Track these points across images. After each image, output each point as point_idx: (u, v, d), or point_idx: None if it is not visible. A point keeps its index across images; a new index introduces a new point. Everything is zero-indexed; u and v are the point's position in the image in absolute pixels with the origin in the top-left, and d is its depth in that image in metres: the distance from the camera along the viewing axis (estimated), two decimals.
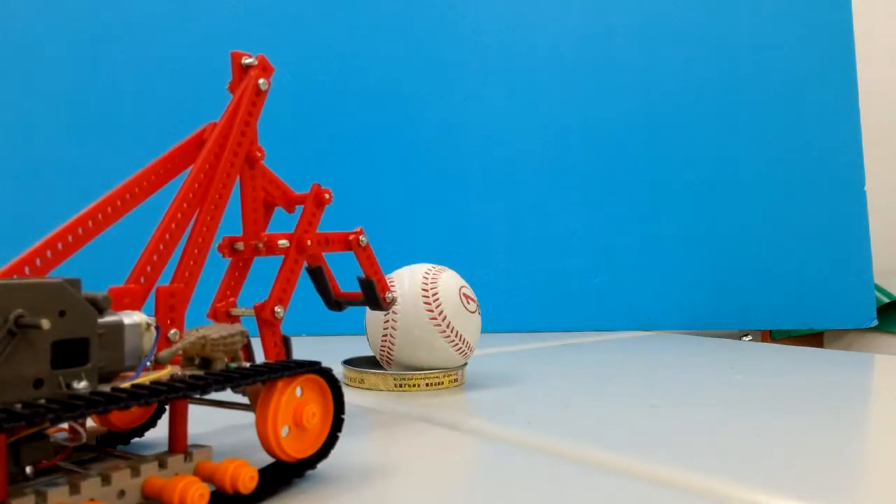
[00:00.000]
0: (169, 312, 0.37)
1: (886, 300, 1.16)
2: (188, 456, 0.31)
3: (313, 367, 0.34)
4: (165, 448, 0.32)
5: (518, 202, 1.00)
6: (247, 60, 0.43)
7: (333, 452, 0.36)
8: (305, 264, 0.47)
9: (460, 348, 0.58)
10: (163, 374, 0.31)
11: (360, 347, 0.63)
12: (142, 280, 0.36)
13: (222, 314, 0.44)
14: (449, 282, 0.59)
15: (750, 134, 1.06)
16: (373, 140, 0.98)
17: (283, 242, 0.43)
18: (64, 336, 0.27)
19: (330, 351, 0.65)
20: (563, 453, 0.41)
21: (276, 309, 0.41)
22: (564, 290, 1.01)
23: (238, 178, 0.43)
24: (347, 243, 0.46)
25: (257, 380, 0.32)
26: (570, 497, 0.35)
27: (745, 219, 1.06)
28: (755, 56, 1.07)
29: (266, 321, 0.42)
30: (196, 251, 0.38)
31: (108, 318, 0.30)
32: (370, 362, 0.62)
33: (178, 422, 0.32)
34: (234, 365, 0.34)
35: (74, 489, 0.27)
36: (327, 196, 0.45)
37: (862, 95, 1.07)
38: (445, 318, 0.57)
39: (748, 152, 1.06)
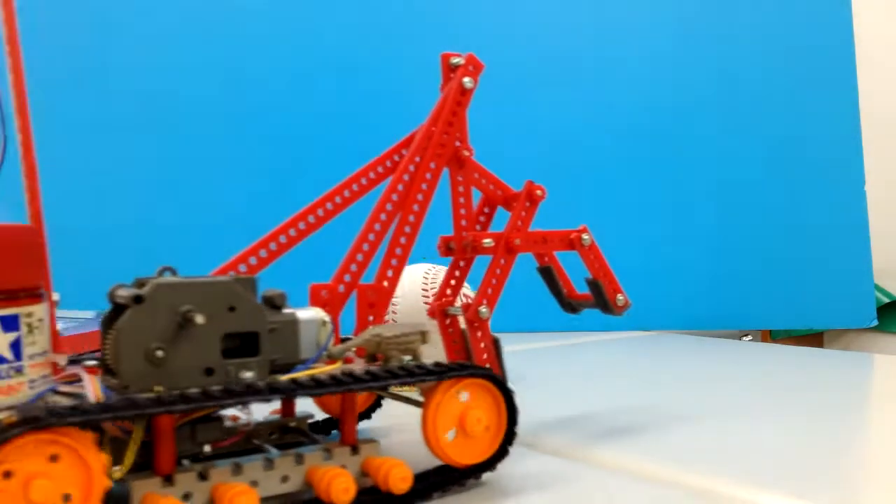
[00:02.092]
0: (369, 309, 0.38)
1: (886, 300, 1.16)
2: (356, 449, 0.32)
3: (478, 372, 0.34)
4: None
5: None
6: (455, 60, 0.42)
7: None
8: (537, 264, 0.45)
9: None
10: (331, 368, 0.32)
11: None
12: (347, 278, 0.38)
13: (440, 313, 0.44)
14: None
15: (750, 134, 1.06)
16: (372, 140, 0.98)
17: (487, 241, 0.41)
18: (233, 329, 0.30)
19: None
20: (563, 453, 0.41)
21: (481, 309, 0.40)
22: None
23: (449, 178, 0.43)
24: (569, 242, 0.44)
25: (406, 381, 0.32)
26: (569, 496, 0.35)
27: (746, 219, 1.06)
28: (755, 56, 1.06)
29: (470, 322, 0.41)
30: (398, 251, 0.39)
31: (283, 314, 0.32)
32: None
33: (347, 414, 0.33)
34: (409, 361, 0.34)
35: (237, 470, 0.29)
36: (539, 193, 0.43)
37: (862, 95, 1.07)
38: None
39: (748, 152, 1.06)
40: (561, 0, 1.03)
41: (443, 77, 0.43)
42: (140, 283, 0.30)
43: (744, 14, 1.06)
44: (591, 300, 0.44)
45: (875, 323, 1.07)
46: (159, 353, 0.28)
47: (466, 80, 0.42)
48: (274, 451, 0.32)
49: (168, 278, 0.30)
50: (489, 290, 0.41)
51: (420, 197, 0.40)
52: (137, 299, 0.28)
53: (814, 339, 1.23)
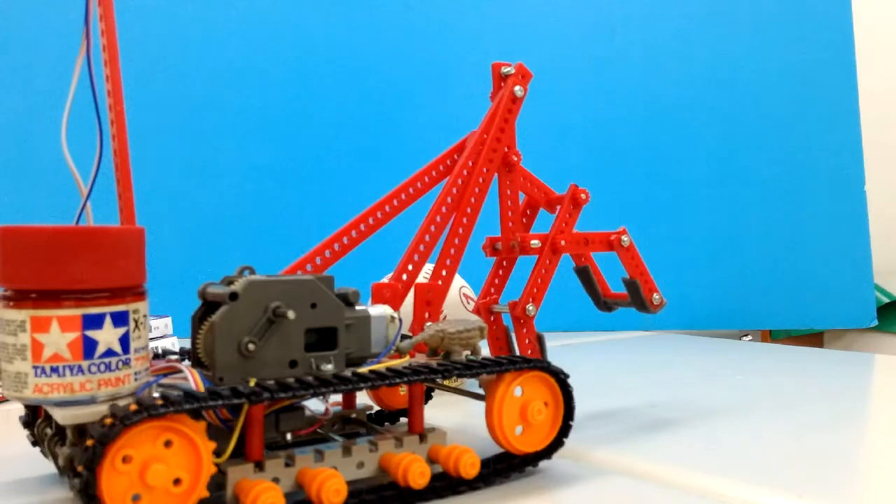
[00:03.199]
0: (425, 307, 0.41)
1: (886, 300, 1.16)
2: (423, 437, 0.34)
3: (539, 365, 0.36)
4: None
5: None
6: (505, 70, 0.44)
7: None
8: (574, 264, 0.47)
9: None
10: (399, 362, 0.35)
11: None
12: (404, 277, 0.40)
13: (485, 311, 0.45)
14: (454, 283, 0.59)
15: (750, 134, 1.06)
16: (372, 140, 0.98)
17: (534, 242, 0.44)
18: (315, 325, 0.32)
19: None
20: (563, 453, 0.41)
21: (528, 307, 0.43)
22: (565, 290, 1.00)
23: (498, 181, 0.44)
24: (609, 244, 0.46)
25: (475, 372, 0.34)
26: (569, 496, 0.35)
27: (746, 219, 1.06)
28: (755, 56, 1.06)
29: (518, 318, 0.43)
30: (452, 251, 0.41)
31: (357, 311, 0.34)
32: None
33: (415, 405, 0.35)
34: (467, 355, 0.36)
35: (319, 457, 0.31)
36: (584, 196, 0.45)
37: (862, 95, 1.07)
38: (446, 317, 0.57)
39: (748, 152, 1.06)
40: (560, 1, 1.03)
41: (493, 85, 0.45)
42: (228, 282, 0.32)
43: (744, 14, 1.06)
44: (627, 299, 0.46)
45: (875, 323, 1.07)
46: (251, 347, 0.30)
47: (517, 88, 0.44)
48: (339, 439, 0.34)
49: (259, 276, 0.31)
50: (535, 290, 0.43)
51: (473, 200, 0.42)
52: (232, 296, 0.30)
53: (814, 339, 1.23)
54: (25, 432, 0.37)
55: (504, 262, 0.47)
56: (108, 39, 0.30)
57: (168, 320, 0.65)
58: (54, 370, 0.27)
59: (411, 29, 1.00)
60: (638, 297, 0.45)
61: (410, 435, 0.34)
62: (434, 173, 0.43)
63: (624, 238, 0.46)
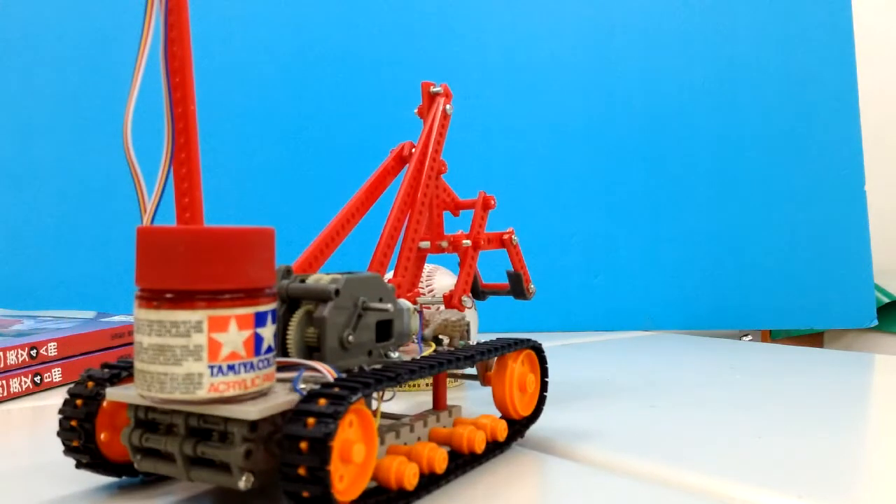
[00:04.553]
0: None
1: (886, 300, 1.16)
2: (450, 412, 0.40)
3: (532, 344, 0.43)
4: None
5: (518, 202, 1.01)
6: (434, 89, 0.49)
7: None
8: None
9: None
10: (431, 350, 0.39)
11: None
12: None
13: (412, 303, 0.48)
14: (444, 280, 0.59)
15: (749, 134, 1.06)
16: (372, 139, 0.98)
17: (466, 242, 0.49)
18: (382, 317, 0.35)
19: None
20: (563, 453, 0.41)
21: (464, 298, 0.47)
22: (564, 290, 1.00)
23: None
24: (502, 241, 0.51)
25: (510, 350, 0.41)
26: (569, 496, 0.35)
27: (745, 219, 1.06)
28: (755, 56, 1.06)
29: (455, 308, 0.48)
30: (409, 249, 0.45)
31: (397, 303, 0.37)
32: None
33: (440, 387, 0.40)
34: (462, 342, 0.41)
35: (398, 435, 0.35)
36: (493, 203, 0.50)
37: (862, 95, 1.07)
38: (439, 309, 0.57)
39: (748, 152, 1.06)
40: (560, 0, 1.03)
41: (423, 101, 0.49)
42: (288, 276, 0.34)
43: (743, 14, 1.06)
44: (502, 288, 0.53)
45: (875, 323, 1.07)
46: (351, 339, 0.33)
47: (448, 107, 0.49)
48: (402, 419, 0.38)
49: (349, 273, 0.34)
50: (465, 282, 0.48)
51: (422, 204, 0.46)
52: (337, 293, 0.32)
53: (814, 339, 1.23)
54: (66, 437, 0.33)
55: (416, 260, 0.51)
56: (179, 31, 0.30)
57: None
58: (231, 368, 0.28)
59: (411, 28, 1.00)
60: (519, 287, 0.52)
61: (441, 411, 0.39)
62: (382, 180, 0.48)
63: (514, 237, 0.52)
